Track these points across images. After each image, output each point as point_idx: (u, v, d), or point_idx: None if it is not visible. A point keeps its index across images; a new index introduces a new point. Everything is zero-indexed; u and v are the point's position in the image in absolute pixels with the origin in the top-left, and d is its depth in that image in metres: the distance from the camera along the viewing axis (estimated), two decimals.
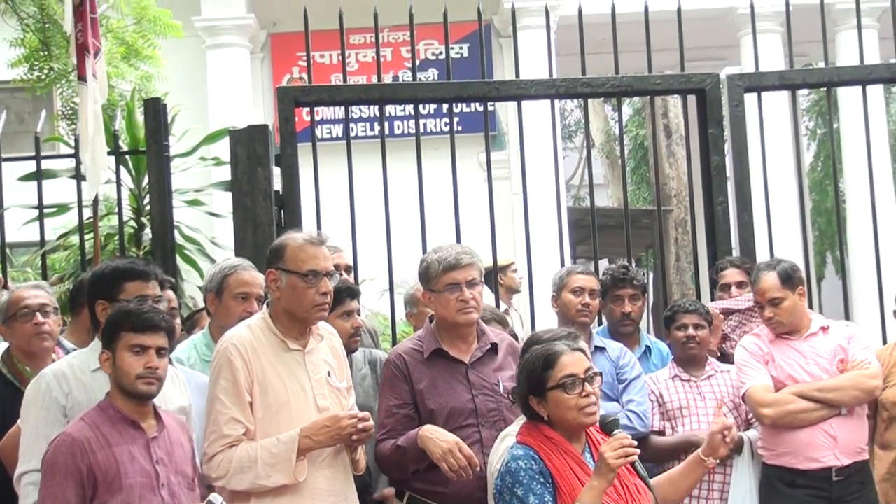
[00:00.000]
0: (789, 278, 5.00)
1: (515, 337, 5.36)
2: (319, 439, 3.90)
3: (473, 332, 4.42)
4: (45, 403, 3.92)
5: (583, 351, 3.73)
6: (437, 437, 4.13)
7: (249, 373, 3.92)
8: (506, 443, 3.88)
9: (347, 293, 4.90)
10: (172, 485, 3.74)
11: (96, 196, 6.14)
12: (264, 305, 4.18)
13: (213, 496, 3.82)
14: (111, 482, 3.62)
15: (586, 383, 3.62)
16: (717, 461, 3.83)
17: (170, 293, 5.01)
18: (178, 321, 5.06)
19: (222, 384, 3.93)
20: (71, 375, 3.97)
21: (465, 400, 4.29)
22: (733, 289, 5.60)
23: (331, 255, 4.17)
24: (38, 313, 4.72)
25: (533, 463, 3.56)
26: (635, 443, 3.56)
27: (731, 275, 5.64)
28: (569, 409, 3.62)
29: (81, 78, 5.91)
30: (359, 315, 5.10)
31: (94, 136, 5.83)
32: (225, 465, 3.87)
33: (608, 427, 3.62)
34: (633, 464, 3.55)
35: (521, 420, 3.98)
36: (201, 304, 6.37)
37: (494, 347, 4.44)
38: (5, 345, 4.89)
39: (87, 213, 6.54)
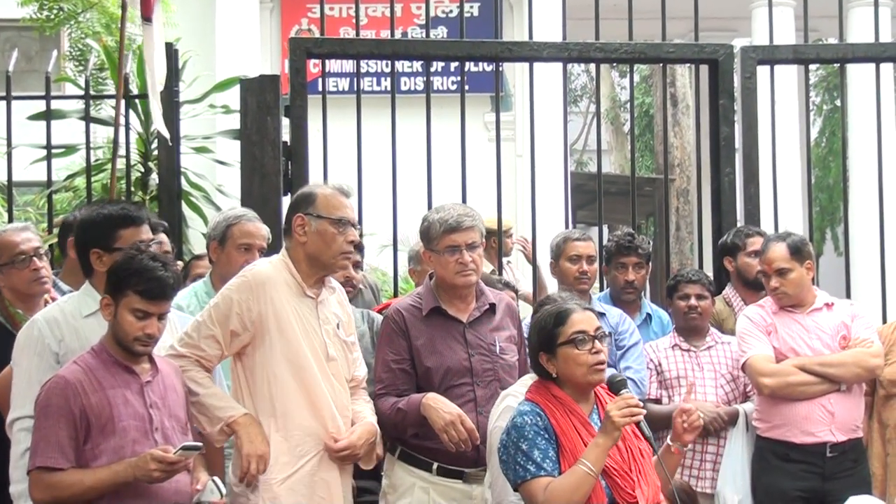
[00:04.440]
0: (798, 251, 5.00)
1: (516, 291, 5.40)
2: (250, 436, 3.92)
3: (472, 292, 4.43)
4: (37, 349, 3.89)
5: (593, 311, 3.79)
6: (440, 408, 4.16)
7: (260, 307, 3.97)
8: (506, 402, 3.93)
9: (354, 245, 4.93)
10: (166, 429, 3.75)
11: (116, 139, 6.06)
12: (283, 248, 4.21)
13: (215, 479, 3.88)
14: (104, 425, 3.62)
15: (596, 341, 3.66)
16: (684, 447, 3.84)
17: (162, 237, 5.00)
18: (179, 264, 5.07)
19: (218, 301, 4.02)
20: (63, 321, 3.94)
21: (462, 359, 4.31)
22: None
23: None
24: (34, 258, 4.62)
25: (538, 419, 3.61)
26: (641, 403, 3.61)
27: (760, 242, 5.48)
28: (578, 365, 3.66)
29: (146, 19, 5.83)
30: (360, 269, 5.11)
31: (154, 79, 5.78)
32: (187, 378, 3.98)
33: (615, 387, 3.66)
34: (638, 424, 3.59)
35: (522, 380, 4.03)
36: (201, 252, 6.39)
37: (493, 307, 4.45)
38: None
39: (94, 154, 6.53)
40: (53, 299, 4.57)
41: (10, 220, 6.30)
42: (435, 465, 4.26)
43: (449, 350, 4.32)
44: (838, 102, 16.57)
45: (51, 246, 5.45)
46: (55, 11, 9.42)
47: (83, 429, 3.60)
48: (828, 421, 4.85)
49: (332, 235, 4.05)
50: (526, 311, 6.43)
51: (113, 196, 6.02)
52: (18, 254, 4.62)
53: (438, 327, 4.36)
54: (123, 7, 5.99)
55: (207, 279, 5.11)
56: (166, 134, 5.93)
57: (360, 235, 5.82)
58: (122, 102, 6.23)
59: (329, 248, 4.06)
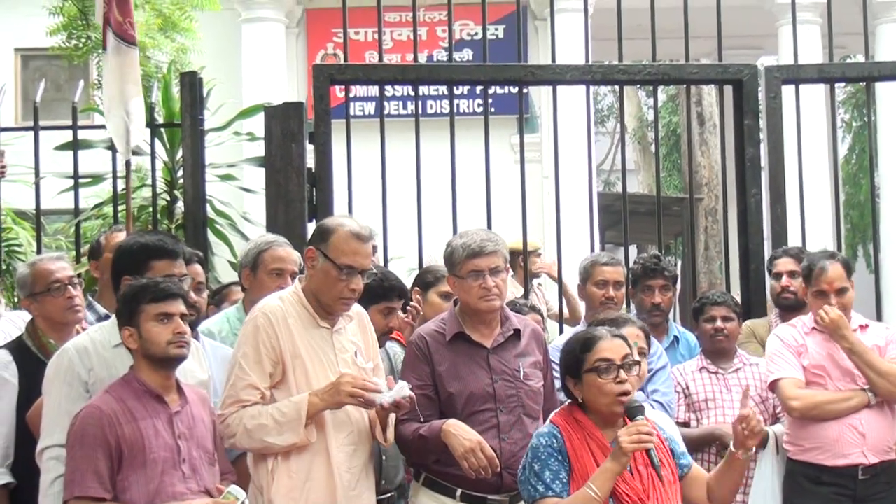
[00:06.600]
0: (849, 268, 4.98)
1: (542, 315, 5.38)
2: (324, 398, 3.90)
3: (497, 318, 4.41)
4: (67, 379, 3.92)
5: (624, 339, 3.79)
6: (461, 435, 4.13)
7: (278, 343, 3.96)
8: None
9: (398, 293, 4.90)
10: (194, 459, 3.77)
11: (127, 165, 6.12)
12: (296, 280, 4.21)
13: (233, 488, 3.84)
14: (135, 456, 3.65)
15: (622, 370, 3.66)
16: (751, 452, 3.78)
17: (197, 268, 5.02)
18: (205, 295, 5.09)
19: (245, 350, 3.98)
20: (93, 351, 3.97)
21: (485, 385, 4.29)
22: (784, 277, 5.49)
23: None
24: (69, 286, 4.68)
25: (554, 441, 3.67)
26: (654, 431, 3.61)
27: (784, 264, 5.53)
28: (602, 394, 3.68)
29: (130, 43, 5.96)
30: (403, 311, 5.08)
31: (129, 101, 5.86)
32: (236, 425, 3.89)
33: (632, 412, 3.66)
34: (647, 451, 3.59)
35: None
36: (227, 279, 6.41)
37: (517, 333, 4.43)
38: (29, 316, 4.82)
39: (122, 183, 6.57)
40: (84, 328, 4.60)
41: (39, 248, 6.34)
42: (458, 492, 4.23)
43: (472, 376, 4.30)
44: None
45: (79, 275, 5.49)
46: (83, 40, 9.53)
47: (116, 459, 3.63)
48: (859, 442, 4.79)
49: (334, 279, 4.01)
50: (555, 331, 6.44)
51: (129, 222, 6.02)
52: (54, 282, 4.67)
53: (462, 353, 4.34)
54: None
55: (240, 305, 5.13)
56: (122, 149, 6.00)
57: (386, 263, 5.86)
58: (148, 130, 6.27)
59: (329, 290, 4.03)
